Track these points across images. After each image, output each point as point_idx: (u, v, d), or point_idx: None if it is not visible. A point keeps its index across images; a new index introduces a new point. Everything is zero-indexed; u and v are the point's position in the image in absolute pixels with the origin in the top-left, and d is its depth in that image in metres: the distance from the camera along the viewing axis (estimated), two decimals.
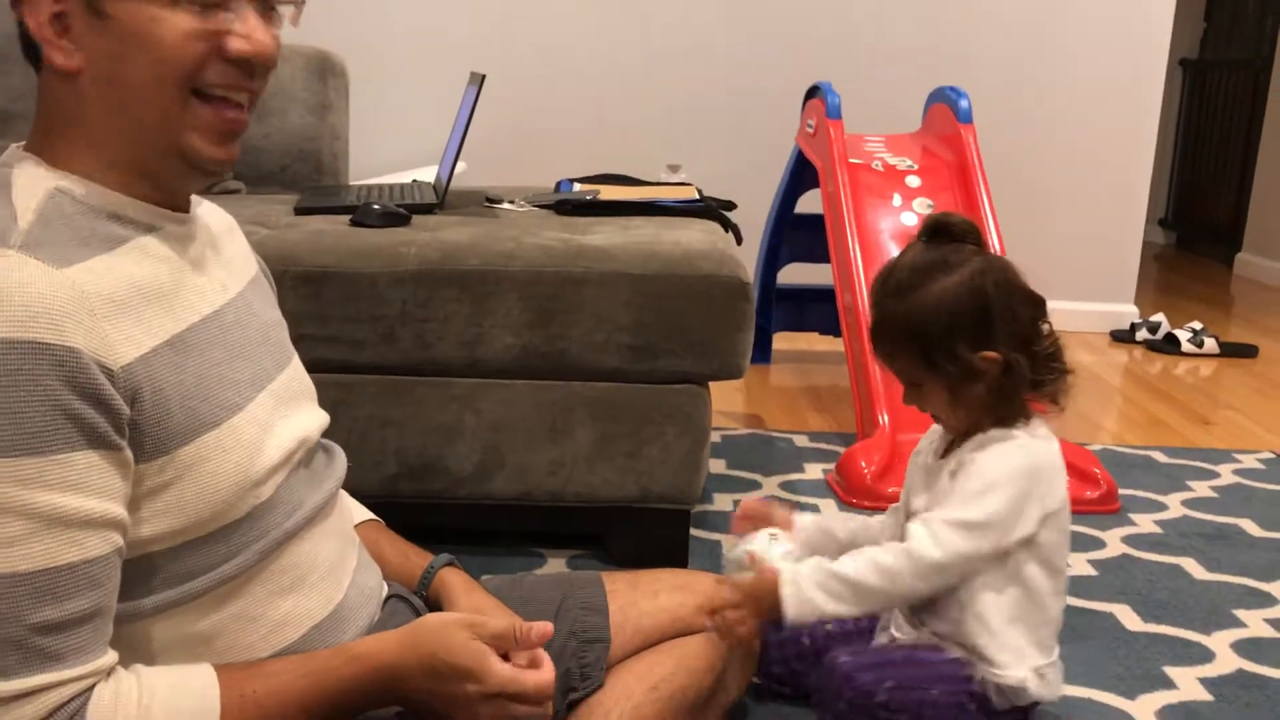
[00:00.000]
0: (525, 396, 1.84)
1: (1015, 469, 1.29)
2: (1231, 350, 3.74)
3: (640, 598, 1.30)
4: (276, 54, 0.94)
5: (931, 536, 1.27)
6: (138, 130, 0.90)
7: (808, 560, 1.32)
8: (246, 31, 0.91)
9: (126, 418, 0.84)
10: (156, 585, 0.90)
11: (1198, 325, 3.79)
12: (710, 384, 1.89)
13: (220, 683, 0.90)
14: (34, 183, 0.89)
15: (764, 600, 1.28)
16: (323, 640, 1.02)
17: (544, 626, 1.01)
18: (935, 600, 1.33)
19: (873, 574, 1.27)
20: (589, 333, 1.81)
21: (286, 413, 1.02)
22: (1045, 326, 1.33)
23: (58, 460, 0.80)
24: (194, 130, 0.91)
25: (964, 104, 2.89)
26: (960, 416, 1.34)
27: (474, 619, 0.99)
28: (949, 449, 1.37)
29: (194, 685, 0.89)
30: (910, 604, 1.36)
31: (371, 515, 1.26)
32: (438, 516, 1.89)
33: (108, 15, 0.87)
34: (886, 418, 2.43)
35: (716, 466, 2.44)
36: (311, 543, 1.03)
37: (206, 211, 1.05)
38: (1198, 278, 5.29)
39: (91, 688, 0.83)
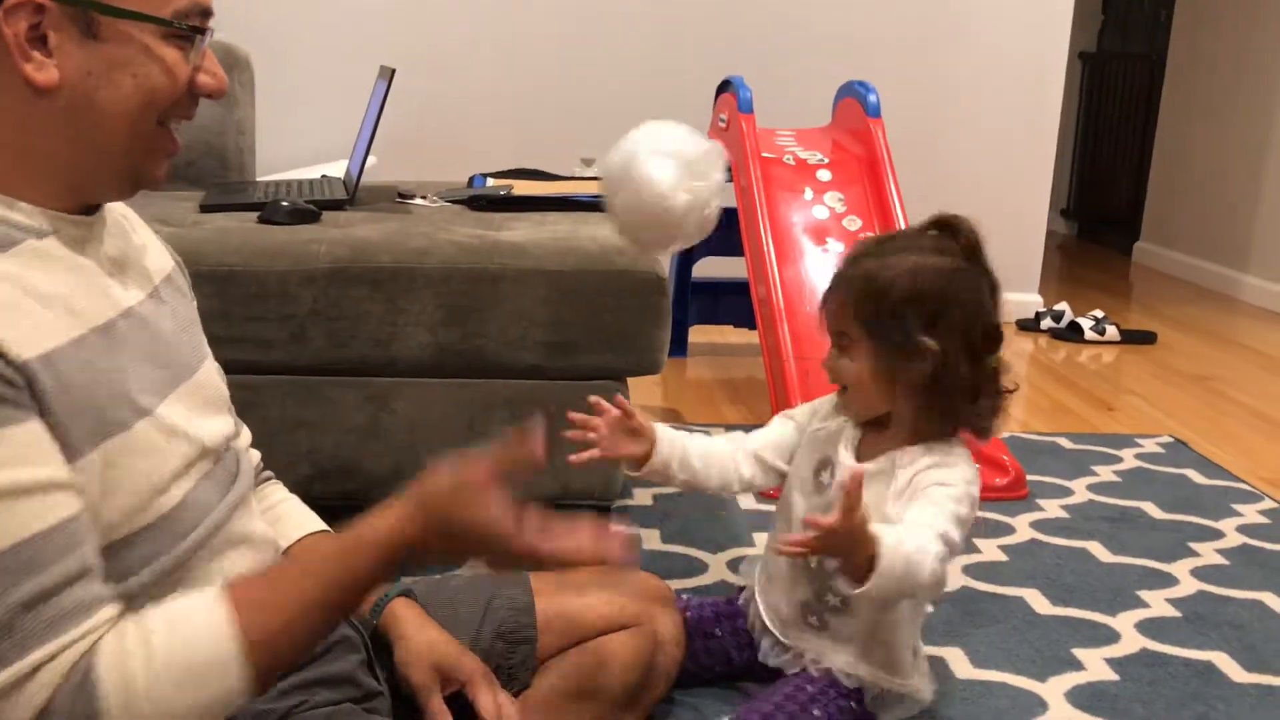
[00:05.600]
0: (442, 395, 1.83)
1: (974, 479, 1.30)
2: (1131, 337, 3.85)
3: (567, 596, 1.30)
4: None
5: (947, 526, 1.23)
6: (98, 151, 0.90)
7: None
8: (212, 70, 0.94)
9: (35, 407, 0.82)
10: None
11: (1099, 313, 3.90)
12: (628, 379, 1.89)
13: (229, 599, 0.86)
14: None
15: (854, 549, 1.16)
16: None
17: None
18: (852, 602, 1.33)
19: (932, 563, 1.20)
20: (505, 330, 1.80)
21: (194, 419, 1.00)
22: (995, 360, 1.32)
23: None
24: (151, 155, 0.93)
25: (873, 99, 2.93)
26: (871, 395, 1.32)
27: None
28: (870, 449, 1.35)
29: (198, 604, 0.86)
30: (826, 603, 1.37)
31: (322, 526, 1.20)
32: (355, 519, 1.86)
33: (101, 39, 0.87)
34: None
35: None
36: (221, 556, 1.00)
37: (110, 210, 1.02)
38: (1099, 267, 5.43)
39: (95, 644, 0.81)
